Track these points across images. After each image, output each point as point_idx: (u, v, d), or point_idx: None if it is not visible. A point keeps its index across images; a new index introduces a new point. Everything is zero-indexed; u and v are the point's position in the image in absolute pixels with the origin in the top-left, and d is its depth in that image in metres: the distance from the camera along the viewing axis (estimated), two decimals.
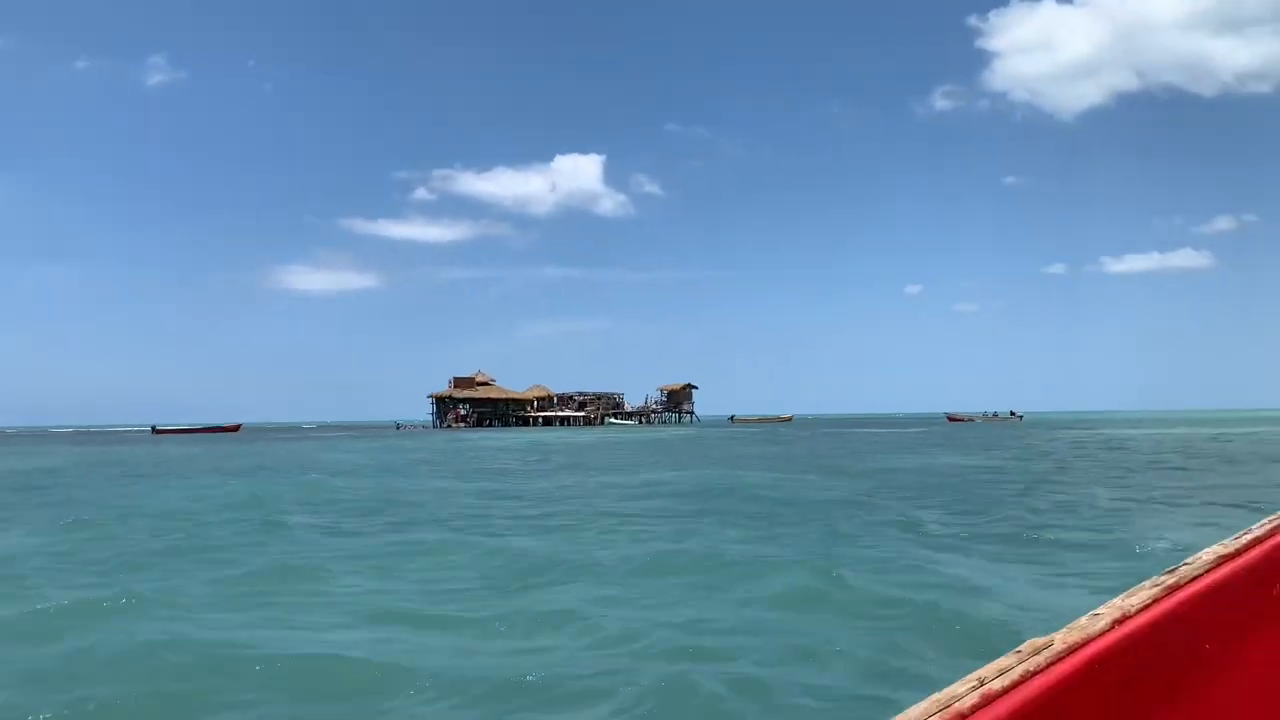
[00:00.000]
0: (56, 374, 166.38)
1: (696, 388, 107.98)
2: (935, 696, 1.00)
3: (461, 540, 10.68)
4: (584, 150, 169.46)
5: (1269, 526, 1.58)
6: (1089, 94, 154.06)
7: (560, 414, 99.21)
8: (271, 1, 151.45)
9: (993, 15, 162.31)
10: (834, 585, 7.60)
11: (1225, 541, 1.52)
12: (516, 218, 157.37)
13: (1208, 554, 1.46)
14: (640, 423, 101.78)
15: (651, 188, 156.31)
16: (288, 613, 7.08)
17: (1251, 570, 1.46)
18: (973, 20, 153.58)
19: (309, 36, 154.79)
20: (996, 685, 1.03)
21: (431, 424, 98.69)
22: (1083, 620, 1.21)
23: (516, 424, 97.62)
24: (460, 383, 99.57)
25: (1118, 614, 1.23)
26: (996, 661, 1.09)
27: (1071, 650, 1.13)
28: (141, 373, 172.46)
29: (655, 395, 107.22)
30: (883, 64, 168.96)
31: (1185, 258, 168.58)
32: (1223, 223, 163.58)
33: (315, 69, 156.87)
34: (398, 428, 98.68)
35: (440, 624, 6.64)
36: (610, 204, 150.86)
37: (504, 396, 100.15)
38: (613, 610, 6.88)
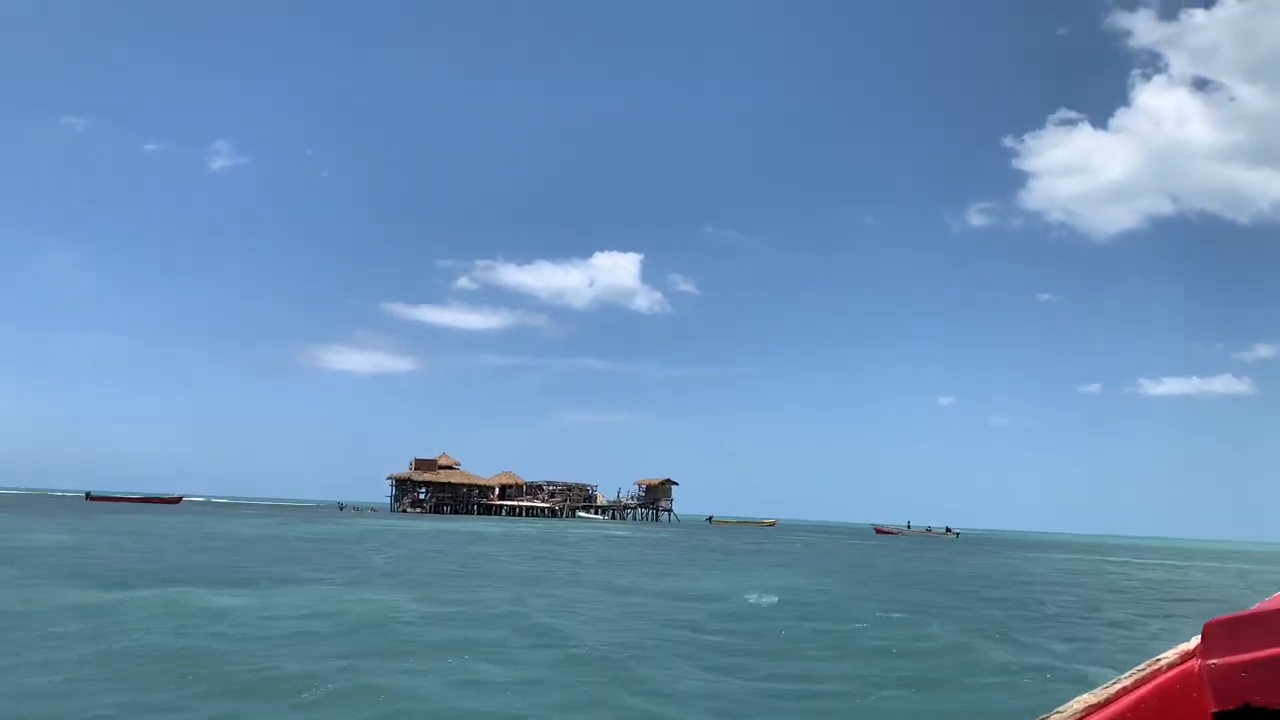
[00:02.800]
0: (98, 439, 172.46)
1: (676, 484, 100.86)
2: None
3: None
4: (623, 249, 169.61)
5: (1136, 677, 1.58)
6: (1124, 217, 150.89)
7: (525, 504, 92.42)
8: (331, 96, 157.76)
9: (1028, 137, 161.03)
10: None
11: (1095, 691, 1.54)
12: (554, 309, 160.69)
13: (1077, 703, 1.48)
14: (612, 518, 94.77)
15: (686, 286, 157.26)
16: None
17: None
18: (1009, 141, 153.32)
19: (366, 130, 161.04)
20: None
21: (390, 507, 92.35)
22: None
23: (478, 512, 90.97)
24: (421, 465, 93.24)
25: None
26: None
27: None
28: (175, 440, 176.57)
29: (632, 489, 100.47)
30: (918, 179, 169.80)
31: (1225, 384, 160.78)
32: (1264, 350, 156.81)
33: (369, 160, 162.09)
34: (340, 508, 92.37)
35: None
36: (646, 301, 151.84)
37: (466, 482, 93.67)
38: None
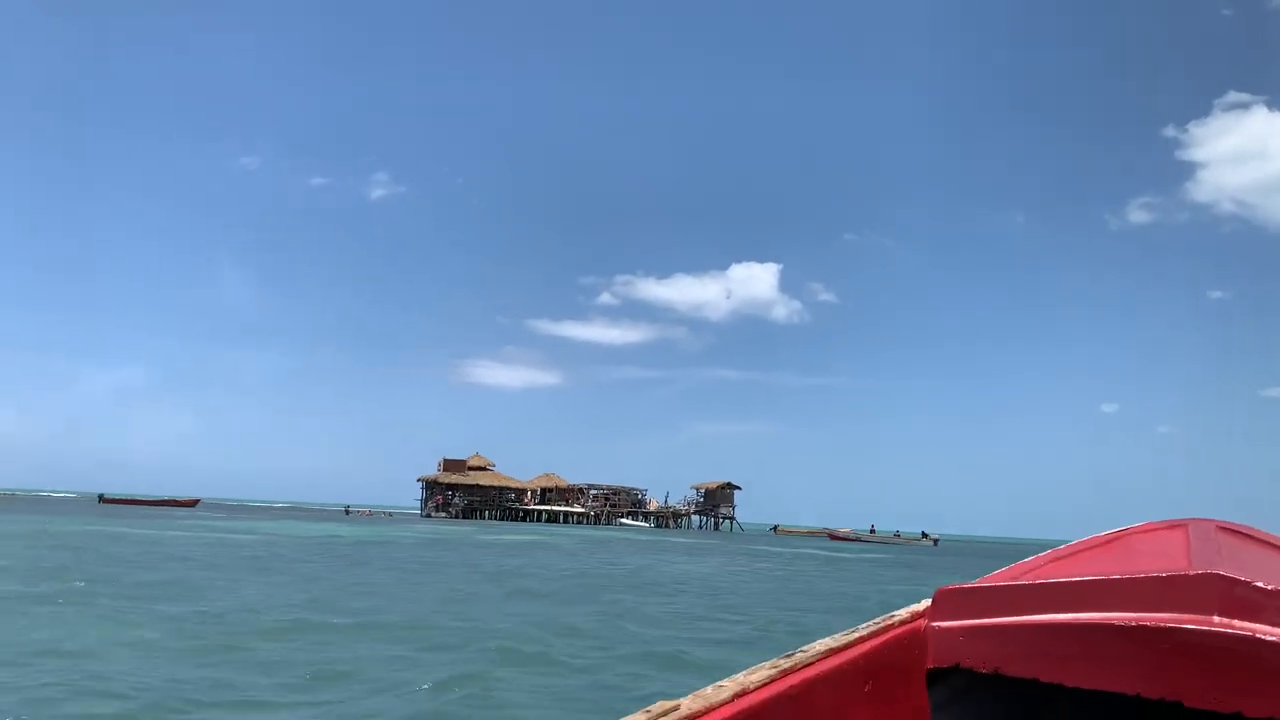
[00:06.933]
0: (264, 453, 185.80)
1: (739, 488, 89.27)
2: None
3: None
4: (761, 259, 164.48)
5: (873, 629, 1.81)
6: None
7: (561, 509, 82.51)
8: (477, 128, 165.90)
9: (1193, 126, 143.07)
10: None
11: (836, 636, 1.73)
12: (692, 322, 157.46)
13: (820, 645, 1.66)
14: (664, 525, 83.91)
15: (826, 296, 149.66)
16: None
17: (853, 665, 1.65)
18: (1170, 131, 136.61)
19: (510, 160, 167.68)
20: None
21: (420, 511, 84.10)
22: (708, 690, 1.35)
23: (506, 517, 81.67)
24: (450, 465, 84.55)
25: (739, 688, 1.37)
26: (626, 718, 1.18)
27: (695, 716, 1.25)
28: (333, 454, 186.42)
29: (690, 495, 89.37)
30: (1072, 176, 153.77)
31: None
32: None
33: (514, 186, 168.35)
34: (346, 512, 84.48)
35: None
36: (784, 311, 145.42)
37: (498, 484, 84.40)
38: None
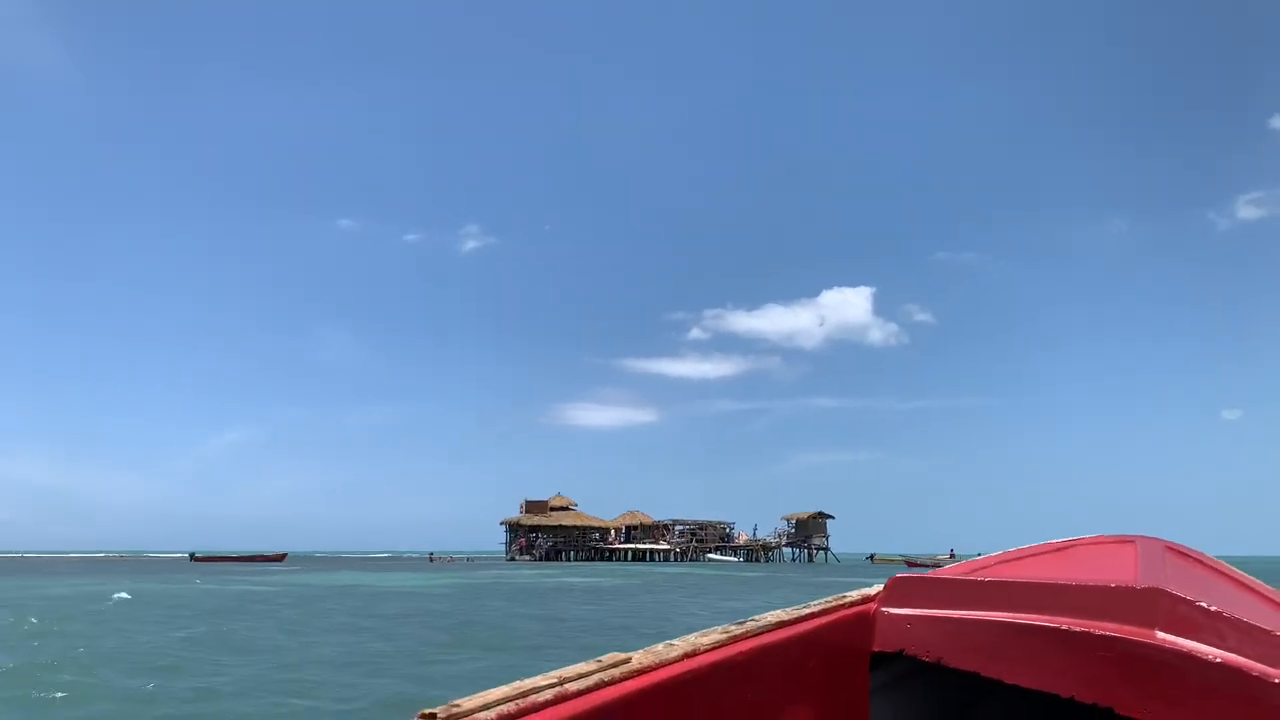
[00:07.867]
0: (363, 505, 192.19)
1: (831, 517, 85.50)
2: (516, 684, 1.10)
3: None
4: (852, 283, 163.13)
5: (824, 607, 1.86)
6: None
7: (647, 547, 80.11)
8: (561, 173, 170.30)
9: None
10: None
11: (789, 610, 1.77)
12: (785, 351, 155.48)
13: (771, 616, 1.70)
14: (754, 559, 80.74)
15: (923, 316, 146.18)
16: None
17: (801, 639, 1.70)
18: (1276, 123, 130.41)
19: (594, 202, 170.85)
20: (573, 687, 1.15)
21: (505, 554, 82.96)
22: (659, 647, 1.39)
23: (594, 557, 79.73)
24: (532, 507, 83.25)
25: (689, 648, 1.42)
26: (577, 665, 1.21)
27: (645, 670, 1.28)
28: (430, 502, 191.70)
29: (781, 526, 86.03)
30: (1173, 176, 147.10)
31: None
32: None
33: (600, 230, 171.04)
34: (430, 559, 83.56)
35: None
36: (880, 334, 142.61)
37: (581, 524, 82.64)
38: None
